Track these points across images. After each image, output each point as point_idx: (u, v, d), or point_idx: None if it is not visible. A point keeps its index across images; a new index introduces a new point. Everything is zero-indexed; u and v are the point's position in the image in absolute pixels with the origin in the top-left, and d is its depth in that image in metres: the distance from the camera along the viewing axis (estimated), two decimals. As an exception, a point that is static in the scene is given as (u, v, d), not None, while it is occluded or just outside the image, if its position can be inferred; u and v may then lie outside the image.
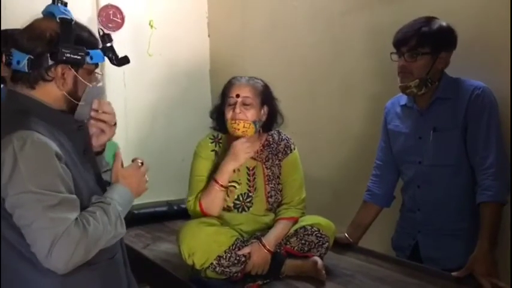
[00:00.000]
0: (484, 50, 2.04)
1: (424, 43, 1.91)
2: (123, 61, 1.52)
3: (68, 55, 1.35)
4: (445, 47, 1.94)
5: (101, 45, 1.47)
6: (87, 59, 1.39)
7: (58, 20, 1.36)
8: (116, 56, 1.49)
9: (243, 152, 1.97)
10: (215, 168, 2.03)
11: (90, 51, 1.40)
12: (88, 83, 1.44)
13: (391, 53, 2.01)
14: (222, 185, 1.97)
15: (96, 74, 1.49)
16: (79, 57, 1.37)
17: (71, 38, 1.37)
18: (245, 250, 1.88)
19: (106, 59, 1.48)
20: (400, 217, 2.20)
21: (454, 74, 2.01)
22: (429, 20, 1.95)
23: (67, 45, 1.35)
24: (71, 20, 1.38)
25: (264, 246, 1.91)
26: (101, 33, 1.48)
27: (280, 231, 1.98)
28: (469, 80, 1.97)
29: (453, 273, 1.80)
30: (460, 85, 1.96)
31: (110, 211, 1.34)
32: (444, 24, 1.94)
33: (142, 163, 1.52)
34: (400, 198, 2.20)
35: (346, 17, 2.70)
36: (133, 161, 1.55)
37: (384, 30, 2.40)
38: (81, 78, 1.41)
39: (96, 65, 1.47)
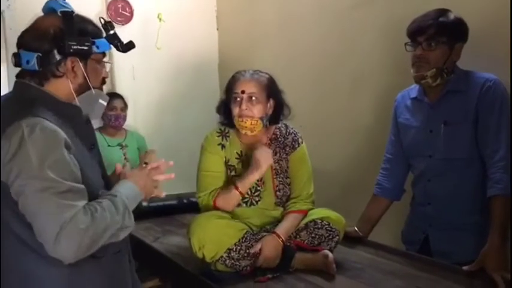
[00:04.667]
0: (493, 44, 2.03)
1: (443, 32, 1.90)
2: (129, 46, 1.52)
3: (75, 47, 1.36)
4: (460, 38, 1.94)
5: (104, 35, 1.47)
6: (94, 48, 1.41)
7: (59, 14, 1.37)
8: (121, 42, 1.50)
9: (264, 161, 1.96)
10: (231, 166, 2.04)
11: (95, 40, 1.42)
12: (98, 72, 1.46)
13: (406, 44, 1.99)
14: (241, 193, 1.98)
15: (105, 63, 1.50)
16: (86, 48, 1.38)
17: (74, 30, 1.38)
18: (257, 247, 1.87)
19: (112, 47, 1.49)
20: (411, 211, 2.19)
21: (463, 67, 2.00)
22: (444, 11, 1.94)
23: (72, 38, 1.36)
24: (72, 12, 1.39)
25: (278, 236, 1.91)
26: (102, 22, 1.49)
27: (290, 224, 1.98)
28: (480, 72, 1.95)
29: (464, 268, 1.79)
30: (471, 77, 1.95)
31: (117, 202, 1.33)
32: (458, 16, 1.93)
33: (146, 164, 1.49)
34: (410, 192, 2.19)
35: (355, 11, 2.69)
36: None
37: (392, 24, 2.39)
38: (81, 70, 1.41)
39: (104, 54, 1.48)
